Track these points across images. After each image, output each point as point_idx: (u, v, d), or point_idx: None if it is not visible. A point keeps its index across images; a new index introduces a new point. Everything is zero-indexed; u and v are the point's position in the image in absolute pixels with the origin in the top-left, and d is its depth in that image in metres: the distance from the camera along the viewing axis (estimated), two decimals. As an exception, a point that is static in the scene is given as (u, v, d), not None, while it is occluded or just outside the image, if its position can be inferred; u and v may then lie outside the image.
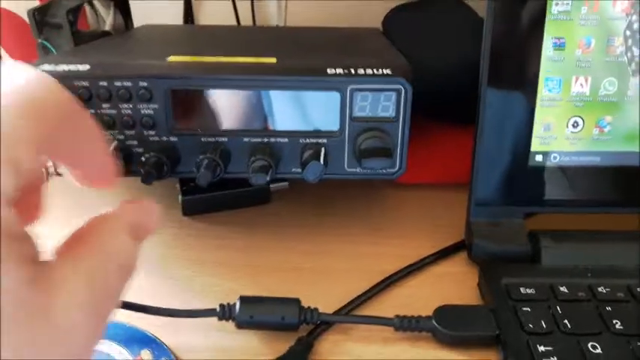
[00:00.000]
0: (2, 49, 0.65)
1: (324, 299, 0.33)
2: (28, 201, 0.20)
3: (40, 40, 0.47)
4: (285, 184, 0.44)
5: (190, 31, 0.59)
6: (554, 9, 0.34)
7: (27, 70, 0.17)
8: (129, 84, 0.34)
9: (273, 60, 0.37)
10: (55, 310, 0.16)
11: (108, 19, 0.55)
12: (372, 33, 0.52)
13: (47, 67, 0.34)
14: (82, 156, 0.20)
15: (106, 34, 0.52)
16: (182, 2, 0.72)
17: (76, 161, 0.20)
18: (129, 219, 0.21)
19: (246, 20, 0.74)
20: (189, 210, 0.42)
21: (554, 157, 0.36)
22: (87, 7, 0.55)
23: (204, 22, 0.75)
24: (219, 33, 0.55)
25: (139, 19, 0.58)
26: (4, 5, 0.62)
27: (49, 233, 0.19)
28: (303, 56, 0.40)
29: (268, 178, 0.34)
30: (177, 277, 0.37)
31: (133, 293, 0.33)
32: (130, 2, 0.56)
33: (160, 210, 0.23)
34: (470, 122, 0.37)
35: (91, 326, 0.17)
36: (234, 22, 0.73)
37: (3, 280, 0.15)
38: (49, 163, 0.32)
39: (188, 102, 0.35)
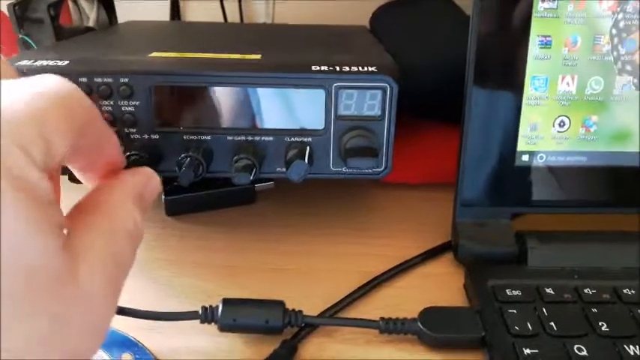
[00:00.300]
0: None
1: (309, 300, 0.33)
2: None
3: (20, 36, 0.46)
4: (271, 183, 0.44)
5: (175, 27, 0.58)
6: (540, 6, 0.34)
7: (56, 77, 0.19)
8: (109, 80, 0.33)
9: (257, 56, 0.36)
10: (80, 276, 0.17)
11: (91, 14, 0.54)
12: (359, 31, 0.51)
13: (26, 62, 0.34)
14: (100, 153, 0.22)
15: (89, 30, 0.51)
16: (168, 2, 0.72)
17: (93, 158, 0.22)
18: (132, 188, 0.22)
19: (233, 18, 0.73)
20: (173, 210, 0.42)
21: (541, 157, 0.36)
22: (70, 3, 0.54)
23: (190, 18, 0.75)
24: (205, 30, 0.55)
25: (125, 17, 0.57)
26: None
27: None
28: (289, 53, 0.39)
29: (252, 178, 0.33)
30: (159, 278, 0.36)
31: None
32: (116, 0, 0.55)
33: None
34: (456, 121, 0.36)
35: (110, 293, 0.18)
36: (221, 20, 0.73)
37: (40, 247, 0.15)
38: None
39: (170, 99, 0.34)
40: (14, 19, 0.46)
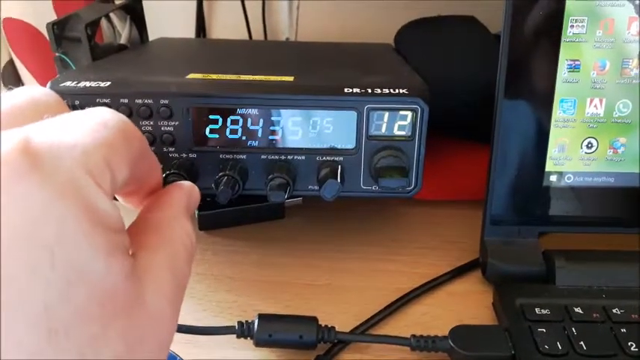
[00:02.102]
0: (17, 59, 0.66)
1: (341, 316, 0.34)
2: None
3: (58, 54, 0.48)
4: (299, 199, 0.45)
5: (204, 45, 0.60)
6: (569, 31, 0.34)
7: (109, 109, 0.19)
8: (150, 101, 0.34)
9: (290, 78, 0.37)
10: (148, 298, 0.18)
11: (124, 32, 0.55)
12: (385, 49, 0.52)
13: (69, 83, 0.35)
14: (147, 180, 0.23)
15: (122, 47, 0.53)
16: (194, 13, 0.74)
17: (140, 184, 0.22)
18: (181, 202, 0.23)
19: (256, 30, 0.74)
20: (205, 225, 0.43)
21: (569, 178, 0.37)
22: (103, 20, 0.56)
23: (215, 32, 0.77)
24: (234, 48, 0.56)
25: (152, 33, 0.59)
26: (16, 15, 0.63)
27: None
28: (320, 74, 0.40)
29: (286, 196, 0.34)
30: (194, 292, 0.37)
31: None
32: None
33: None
34: (482, 139, 0.37)
35: (174, 310, 0.19)
36: (245, 33, 0.74)
37: (114, 273, 0.16)
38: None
39: (207, 119, 0.35)
40: (52, 37, 0.47)
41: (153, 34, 0.60)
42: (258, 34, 0.75)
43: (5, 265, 0.14)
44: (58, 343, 0.14)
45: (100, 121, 0.18)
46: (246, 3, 0.73)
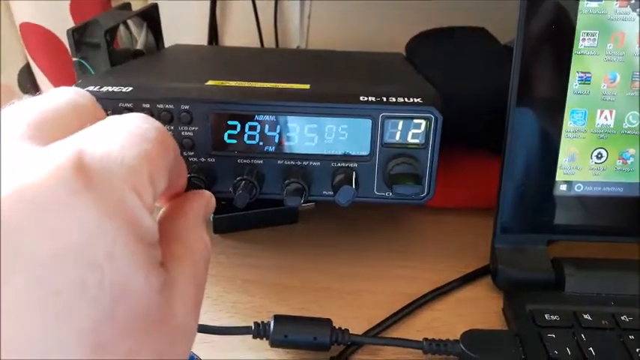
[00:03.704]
0: (33, 63, 0.68)
1: (353, 320, 0.34)
2: None
3: (77, 59, 0.49)
4: (312, 204, 0.46)
5: (219, 53, 0.61)
6: (580, 44, 0.35)
7: (142, 116, 0.20)
8: (171, 106, 0.35)
9: (306, 86, 0.38)
10: (175, 311, 0.18)
11: (140, 38, 0.56)
12: (397, 59, 0.53)
13: (92, 88, 0.36)
14: (176, 184, 0.23)
15: (138, 52, 0.54)
16: (206, 20, 0.75)
17: (170, 189, 0.23)
18: (200, 211, 0.23)
19: (268, 36, 0.76)
20: (220, 228, 0.44)
21: (578, 187, 0.37)
22: (120, 26, 0.57)
23: (227, 39, 0.78)
24: (246, 56, 0.57)
25: (167, 39, 0.60)
26: (33, 20, 0.65)
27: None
28: (334, 82, 0.41)
29: (302, 201, 0.35)
30: (209, 293, 0.38)
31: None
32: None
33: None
34: (492, 148, 0.38)
35: (197, 321, 0.20)
36: (256, 40, 0.75)
37: (149, 288, 0.17)
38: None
39: (226, 125, 0.36)
40: (72, 43, 0.49)
41: (165, 39, 0.61)
42: (269, 40, 0.76)
43: (56, 279, 0.14)
44: (99, 357, 0.15)
45: (141, 131, 0.19)
46: (258, 10, 0.74)
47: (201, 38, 0.77)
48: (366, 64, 0.50)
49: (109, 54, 0.49)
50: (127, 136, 0.18)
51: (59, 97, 0.20)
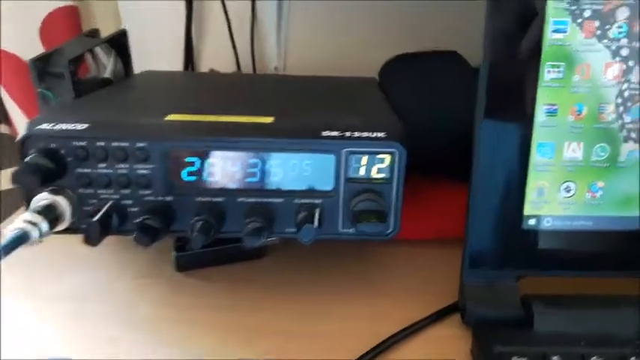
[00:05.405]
0: (3, 91, 0.66)
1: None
2: None
3: (40, 90, 0.48)
4: (276, 239, 0.44)
5: (188, 80, 0.60)
6: (546, 76, 0.34)
7: None
8: (126, 144, 0.34)
9: (270, 119, 0.37)
10: None
11: (109, 65, 0.55)
12: (368, 85, 0.52)
13: (46, 126, 0.35)
14: None
15: (106, 81, 0.53)
16: (183, 43, 0.74)
17: None
18: None
19: (245, 59, 0.75)
20: (183, 266, 0.42)
21: (547, 221, 0.36)
22: (88, 54, 0.56)
23: (204, 61, 0.77)
24: (216, 83, 0.56)
25: (139, 60, 0.59)
26: (5, 47, 0.63)
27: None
28: (300, 114, 0.40)
29: (262, 241, 0.34)
30: (168, 339, 0.36)
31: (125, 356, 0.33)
32: (133, 44, 0.57)
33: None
34: (465, 178, 0.37)
35: None
36: (234, 62, 0.74)
37: None
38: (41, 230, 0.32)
39: (184, 162, 0.35)
40: (35, 73, 0.47)
41: (142, 64, 0.60)
42: (247, 63, 0.76)
43: None
44: None
45: None
46: (234, 32, 0.74)
47: (178, 62, 0.76)
48: (336, 93, 0.49)
49: (74, 84, 0.48)
50: None
51: None
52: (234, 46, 0.74)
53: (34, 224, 0.32)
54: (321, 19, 0.73)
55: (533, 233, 0.37)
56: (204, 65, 0.77)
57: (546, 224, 0.36)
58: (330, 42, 0.74)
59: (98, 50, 0.56)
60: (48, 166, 0.34)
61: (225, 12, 0.72)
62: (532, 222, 0.36)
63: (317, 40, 0.75)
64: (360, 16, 0.72)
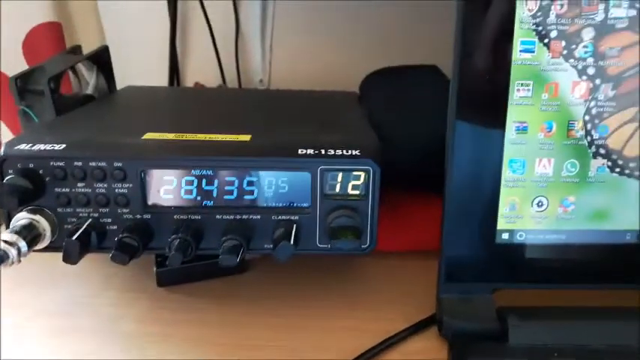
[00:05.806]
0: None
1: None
2: None
3: (21, 107, 0.48)
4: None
5: (170, 96, 0.60)
6: (516, 95, 0.35)
7: None
8: (104, 164, 0.35)
9: (247, 138, 0.38)
10: None
11: (91, 82, 0.55)
12: (348, 100, 0.53)
13: (24, 146, 0.35)
14: None
15: (88, 97, 0.53)
16: (167, 57, 0.74)
17: None
18: None
19: (230, 72, 0.75)
20: (164, 281, 0.42)
21: (521, 235, 0.37)
22: (69, 72, 0.56)
23: (189, 75, 0.77)
24: (198, 99, 0.56)
25: (124, 75, 0.59)
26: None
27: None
28: (277, 132, 0.41)
29: (239, 259, 0.34)
30: (150, 355, 0.36)
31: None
32: (117, 60, 0.57)
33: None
34: (440, 191, 0.37)
35: None
36: (219, 77, 0.75)
37: None
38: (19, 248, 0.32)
39: (161, 181, 0.35)
40: (15, 91, 0.48)
41: (126, 79, 0.60)
42: (232, 77, 0.76)
43: None
44: None
45: None
46: (219, 46, 0.74)
47: (163, 76, 0.76)
48: (316, 108, 0.50)
49: (55, 101, 0.48)
50: None
51: None
52: (218, 60, 0.75)
53: (12, 244, 0.32)
54: (306, 32, 0.74)
55: (508, 247, 0.37)
56: (190, 79, 0.78)
57: (520, 238, 0.37)
58: (314, 54, 0.75)
59: (80, 67, 0.56)
60: (26, 187, 0.34)
61: (209, 26, 0.73)
62: (505, 236, 0.37)
63: (302, 53, 0.75)
64: (345, 30, 0.73)
